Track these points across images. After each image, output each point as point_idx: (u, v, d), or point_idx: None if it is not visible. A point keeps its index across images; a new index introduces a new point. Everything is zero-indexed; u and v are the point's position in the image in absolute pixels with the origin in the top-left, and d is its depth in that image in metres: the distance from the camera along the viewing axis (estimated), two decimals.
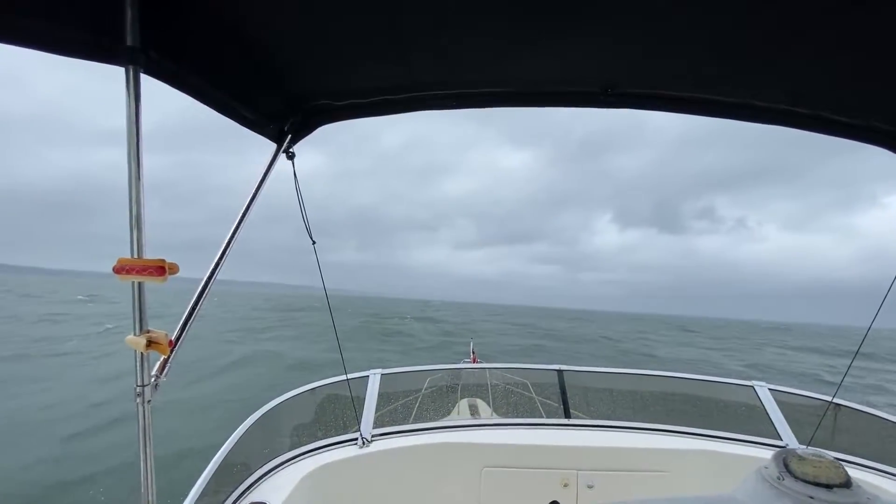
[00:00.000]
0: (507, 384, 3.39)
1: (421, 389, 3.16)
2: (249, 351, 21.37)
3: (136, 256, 0.99)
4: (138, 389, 1.02)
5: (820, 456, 0.92)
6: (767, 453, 1.00)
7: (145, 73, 1.01)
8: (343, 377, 2.37)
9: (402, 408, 2.86)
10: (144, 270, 0.98)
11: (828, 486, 0.86)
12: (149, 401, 1.04)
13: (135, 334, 1.01)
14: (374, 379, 2.60)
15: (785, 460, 0.94)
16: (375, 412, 2.45)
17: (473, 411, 3.38)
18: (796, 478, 0.89)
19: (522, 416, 2.74)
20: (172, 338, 1.09)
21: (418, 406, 3.00)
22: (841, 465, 0.91)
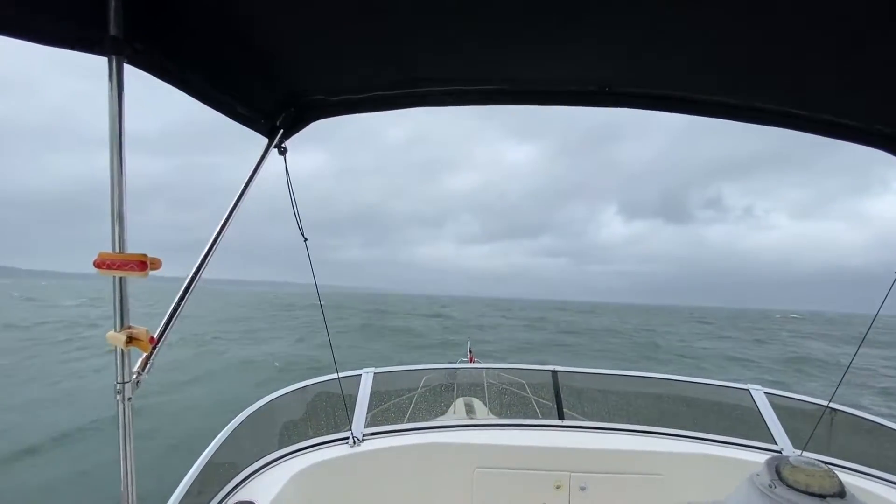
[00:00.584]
0: (504, 384, 3.37)
1: (417, 388, 3.15)
2: (252, 351, 20.87)
3: (117, 251, 0.98)
4: (118, 386, 1.00)
5: (813, 464, 0.90)
6: (762, 457, 0.98)
7: (130, 63, 0.99)
8: (335, 376, 2.36)
9: (396, 407, 2.85)
10: (126, 265, 0.96)
11: (821, 496, 0.84)
12: (129, 398, 1.02)
13: (115, 330, 0.99)
14: (367, 378, 2.58)
15: (777, 468, 0.91)
16: (370, 411, 2.44)
17: (469, 411, 3.38)
18: (788, 486, 0.87)
19: (516, 417, 2.73)
20: (155, 335, 1.08)
21: (413, 405, 2.99)
22: (835, 473, 0.88)
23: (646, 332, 45.83)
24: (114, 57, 0.94)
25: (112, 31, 0.93)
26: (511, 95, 1.47)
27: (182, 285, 1.24)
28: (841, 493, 0.85)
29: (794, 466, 0.90)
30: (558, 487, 2.24)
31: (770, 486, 0.89)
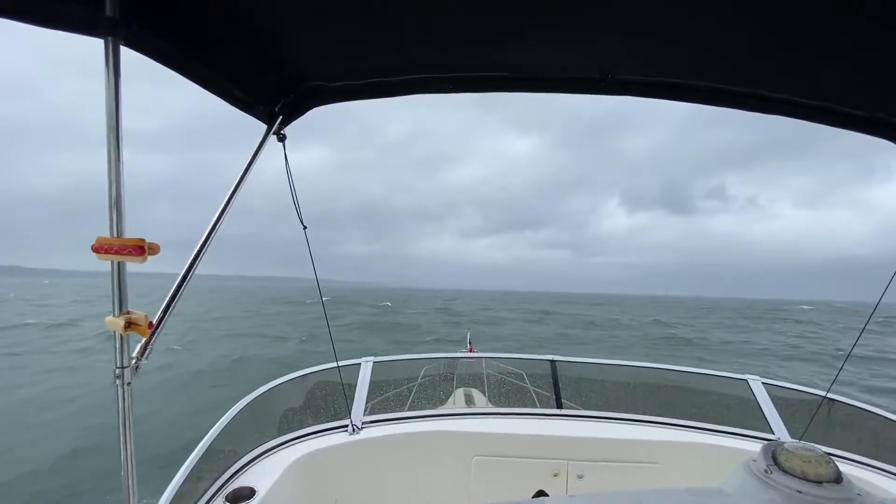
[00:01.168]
0: (502, 374, 3.39)
1: (417, 378, 3.17)
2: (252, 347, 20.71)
3: (115, 236, 0.98)
4: (117, 371, 1.01)
5: (809, 450, 0.90)
6: (759, 447, 0.98)
7: (126, 45, 0.98)
8: (334, 364, 2.37)
9: (396, 396, 2.87)
10: (123, 250, 0.96)
11: (817, 482, 0.83)
12: (128, 383, 1.03)
13: (114, 315, 0.99)
14: (366, 366, 2.60)
15: (773, 453, 0.91)
16: (370, 400, 2.45)
17: (469, 401, 3.40)
18: (784, 471, 0.87)
19: (515, 406, 2.75)
20: (154, 320, 1.08)
21: (414, 395, 3.01)
22: (831, 459, 0.88)
23: (664, 325, 44.66)
24: (110, 38, 0.93)
25: (108, 11, 0.92)
26: (512, 82, 1.45)
27: (182, 272, 1.25)
28: (837, 478, 0.84)
29: (790, 452, 0.89)
30: (556, 475, 2.25)
31: (766, 472, 0.89)
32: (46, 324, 29.42)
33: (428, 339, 28.31)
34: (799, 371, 20.86)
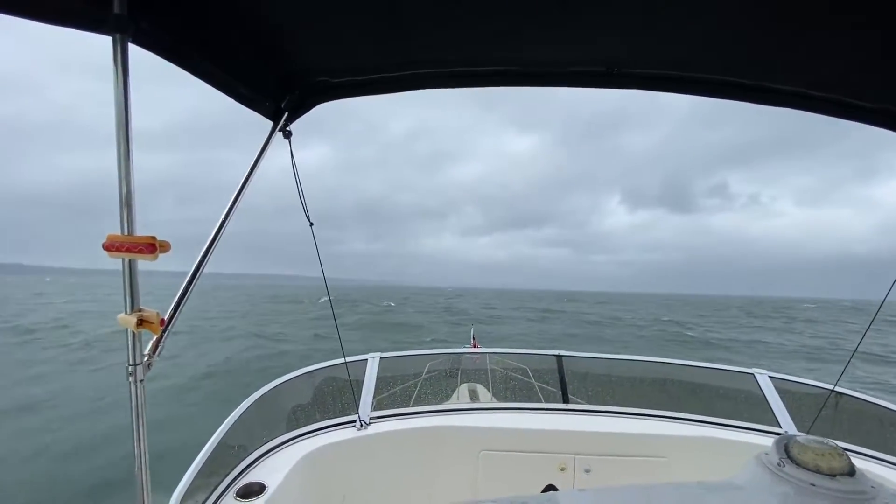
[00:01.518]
0: (507, 370, 3.39)
1: (421, 374, 3.17)
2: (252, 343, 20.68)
3: (126, 234, 0.98)
4: (130, 368, 1.01)
5: (822, 443, 0.89)
6: (767, 440, 0.98)
7: (134, 42, 0.98)
8: (341, 360, 2.38)
9: (402, 392, 2.87)
10: (134, 248, 0.96)
11: (830, 475, 0.83)
12: (141, 380, 1.03)
13: (126, 313, 0.99)
14: (373, 362, 2.61)
15: (786, 447, 0.91)
16: (376, 396, 2.46)
17: (473, 396, 3.41)
18: (797, 464, 0.86)
19: (521, 401, 2.76)
20: (165, 317, 1.08)
21: (418, 391, 3.02)
22: (845, 452, 0.87)
23: (676, 325, 43.43)
24: (118, 36, 0.93)
25: (116, 8, 0.92)
26: (516, 77, 1.44)
27: (192, 269, 1.25)
28: (851, 471, 0.84)
29: (803, 445, 0.89)
30: (562, 470, 2.26)
31: (779, 465, 0.89)
32: (28, 327, 26.51)
33: (429, 339, 27.99)
34: (822, 373, 20.55)
